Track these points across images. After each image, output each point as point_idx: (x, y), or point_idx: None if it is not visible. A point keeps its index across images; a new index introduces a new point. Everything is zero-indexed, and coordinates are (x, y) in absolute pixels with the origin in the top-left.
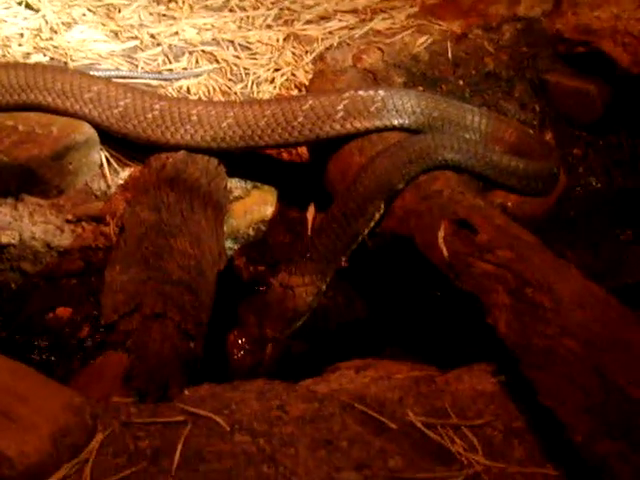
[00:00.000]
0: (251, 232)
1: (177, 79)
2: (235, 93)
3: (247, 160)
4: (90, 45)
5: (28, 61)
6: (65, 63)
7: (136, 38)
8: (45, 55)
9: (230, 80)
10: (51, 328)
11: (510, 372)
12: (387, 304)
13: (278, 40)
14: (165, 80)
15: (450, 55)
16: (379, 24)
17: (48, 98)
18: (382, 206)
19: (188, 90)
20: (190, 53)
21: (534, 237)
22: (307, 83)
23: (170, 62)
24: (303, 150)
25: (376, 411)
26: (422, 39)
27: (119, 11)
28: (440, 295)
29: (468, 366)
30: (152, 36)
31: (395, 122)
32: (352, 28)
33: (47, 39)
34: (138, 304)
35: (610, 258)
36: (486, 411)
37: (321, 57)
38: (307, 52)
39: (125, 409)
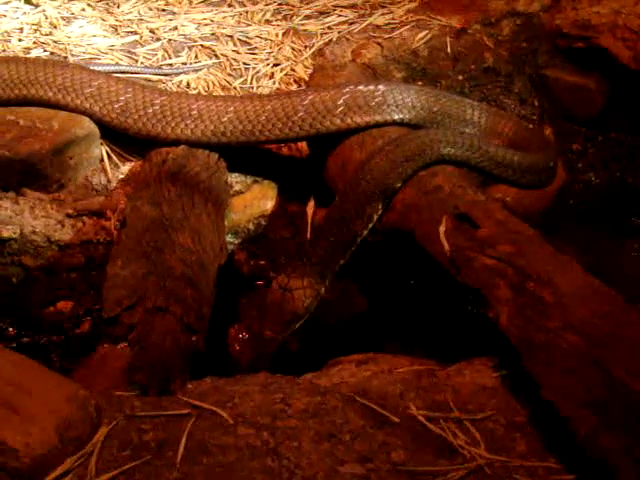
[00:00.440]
0: (251, 226)
1: (177, 74)
2: (235, 88)
3: (247, 155)
4: (90, 40)
5: (28, 56)
6: (65, 58)
7: (135, 33)
8: (45, 50)
9: (230, 75)
10: (52, 322)
11: (511, 366)
12: (387, 299)
13: (277, 35)
14: (165, 75)
15: (449, 50)
16: (378, 19)
17: (49, 93)
18: (380, 207)
19: (188, 85)
20: (189, 48)
21: (535, 231)
22: (306, 78)
23: (170, 57)
24: (303, 145)
25: (378, 405)
26: (421, 34)
27: (118, 6)
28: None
29: (469, 360)
30: (151, 31)
31: (395, 117)
32: (351, 23)
33: (47, 34)
34: (140, 298)
35: (608, 253)
36: (488, 405)
37: (320, 52)
38: (306, 47)
39: (129, 402)
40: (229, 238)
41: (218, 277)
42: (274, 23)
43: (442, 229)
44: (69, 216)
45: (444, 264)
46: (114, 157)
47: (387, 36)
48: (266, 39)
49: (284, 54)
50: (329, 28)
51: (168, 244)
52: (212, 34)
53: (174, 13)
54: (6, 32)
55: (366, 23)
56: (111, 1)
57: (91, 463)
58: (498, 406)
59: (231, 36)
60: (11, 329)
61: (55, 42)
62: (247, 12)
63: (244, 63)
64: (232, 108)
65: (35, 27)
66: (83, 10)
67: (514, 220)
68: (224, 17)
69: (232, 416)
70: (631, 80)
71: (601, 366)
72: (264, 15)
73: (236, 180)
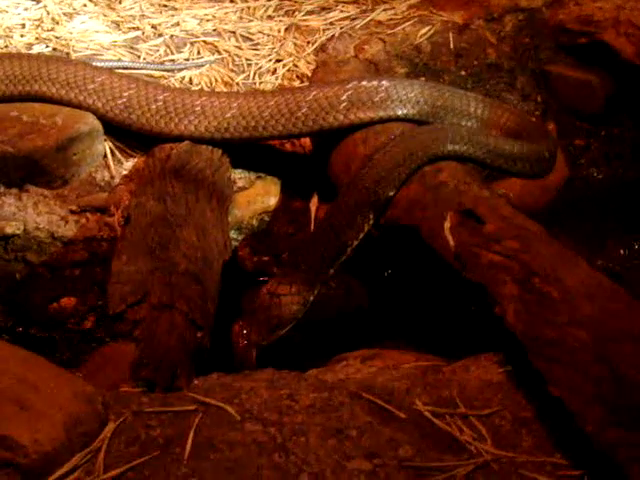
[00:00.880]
0: (255, 223)
1: (179, 70)
2: (237, 84)
3: (251, 151)
4: (92, 36)
5: (30, 52)
6: (67, 54)
7: (137, 29)
8: (47, 46)
9: (232, 71)
10: (55, 318)
11: (517, 362)
12: (392, 294)
13: (279, 31)
14: (167, 71)
15: (452, 46)
16: (380, 15)
17: (52, 89)
18: (371, 216)
19: (190, 81)
20: (192, 44)
21: (540, 227)
22: (309, 74)
23: (172, 53)
24: (306, 141)
25: (384, 401)
26: (424, 30)
27: (120, 2)
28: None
29: (475, 356)
30: (153, 27)
31: (399, 112)
32: (353, 19)
33: (49, 30)
34: (145, 294)
35: (610, 248)
36: (494, 401)
37: (323, 48)
38: (309, 43)
39: (136, 398)
40: (232, 234)
41: (222, 273)
42: (276, 19)
43: (447, 225)
44: (72, 212)
45: (449, 260)
46: (117, 153)
47: (389, 32)
48: (268, 35)
49: (286, 50)
50: (331, 24)
51: (173, 240)
52: (214, 30)
53: (176, 9)
54: (8, 28)
55: (368, 19)
56: None
57: (99, 459)
58: (504, 402)
59: (233, 32)
60: (14, 325)
61: (57, 38)
62: (249, 8)
63: (246, 59)
64: (235, 104)
65: (37, 23)
66: (85, 6)
67: (519, 216)
68: (226, 13)
69: (239, 412)
70: (634, 75)
71: (608, 362)
72: (266, 11)
73: (239, 176)
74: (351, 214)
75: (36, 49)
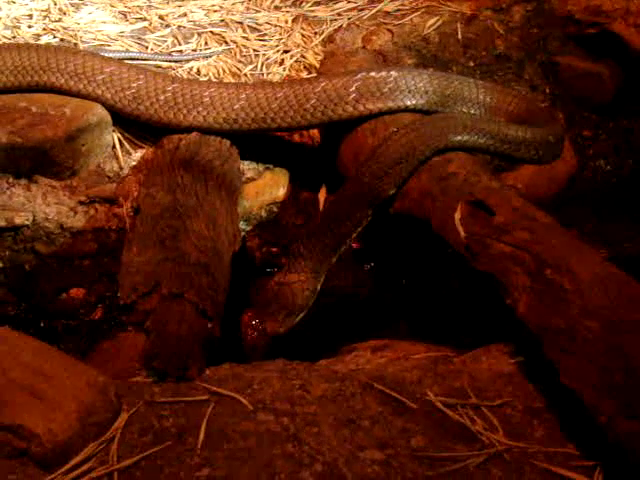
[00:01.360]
0: (263, 213)
1: (187, 60)
2: (245, 75)
3: (259, 142)
4: (99, 26)
5: (38, 42)
6: (75, 44)
7: (145, 19)
8: (55, 36)
9: (240, 62)
10: (64, 309)
11: (528, 352)
12: (402, 285)
13: (287, 21)
14: (175, 62)
15: (460, 37)
16: (388, 5)
17: (61, 79)
18: (370, 212)
19: (198, 72)
20: (199, 35)
21: (551, 218)
22: (316, 65)
23: (179, 44)
24: (315, 132)
25: (396, 391)
26: (432, 20)
27: None
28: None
29: (485, 347)
30: (161, 17)
31: (408, 103)
32: (361, 9)
33: (56, 20)
34: (156, 284)
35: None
36: (505, 391)
37: (330, 39)
38: (316, 33)
39: (148, 389)
40: (241, 225)
41: (231, 264)
42: (283, 9)
43: (457, 216)
44: (81, 203)
45: (460, 251)
46: (126, 144)
47: (397, 22)
48: (276, 25)
49: (294, 41)
50: (339, 14)
51: (183, 230)
52: (221, 20)
53: (183, 0)
54: (15, 19)
55: (376, 9)
56: None
57: (112, 449)
58: (515, 392)
59: (241, 22)
60: (24, 316)
61: (64, 29)
62: None
63: (254, 50)
64: (244, 95)
65: (44, 14)
66: None
67: (530, 207)
68: (233, 3)
69: (251, 402)
70: None
71: (620, 352)
72: (273, 1)
73: (248, 167)
74: (350, 208)
75: (44, 40)
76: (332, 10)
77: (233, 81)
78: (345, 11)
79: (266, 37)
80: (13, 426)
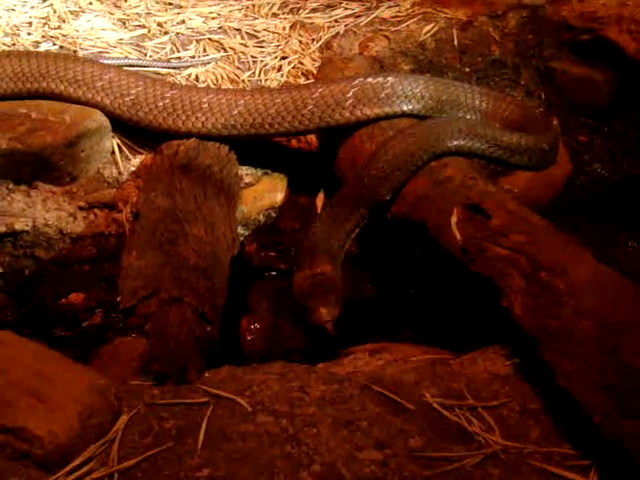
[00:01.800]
0: (261, 218)
1: (185, 67)
2: (243, 81)
3: (257, 147)
4: (98, 33)
5: (38, 50)
6: (74, 52)
7: (143, 27)
8: (54, 44)
9: (238, 68)
10: (64, 314)
11: (524, 354)
12: (399, 288)
13: (284, 28)
14: (174, 68)
15: (456, 43)
16: (385, 12)
17: (60, 86)
18: (367, 215)
19: (197, 78)
20: (197, 41)
21: (546, 222)
22: (314, 71)
23: (178, 50)
24: (313, 137)
25: (393, 393)
26: (428, 27)
27: (125, 0)
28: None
29: (482, 349)
30: (159, 24)
31: (405, 108)
32: (358, 16)
33: (55, 27)
34: (156, 289)
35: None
36: (501, 393)
37: (328, 45)
38: (313, 40)
39: (148, 391)
40: (240, 230)
41: (230, 268)
42: (281, 16)
43: (454, 219)
44: (81, 208)
45: (456, 254)
46: (125, 150)
47: (394, 29)
48: (273, 32)
49: (292, 47)
50: (336, 21)
51: (182, 235)
52: (219, 27)
53: (181, 7)
54: (15, 26)
55: (373, 16)
56: None
57: (113, 450)
58: (512, 393)
59: (239, 29)
60: (24, 321)
61: (64, 36)
62: (254, 5)
63: (252, 56)
64: (242, 101)
65: (44, 21)
66: (90, 4)
67: (525, 210)
68: (231, 11)
69: (251, 404)
70: (637, 72)
71: (614, 352)
72: (271, 8)
73: (246, 172)
74: (347, 211)
75: (43, 47)
76: (329, 17)
77: (231, 87)
78: (342, 18)
79: (264, 44)
80: (15, 428)
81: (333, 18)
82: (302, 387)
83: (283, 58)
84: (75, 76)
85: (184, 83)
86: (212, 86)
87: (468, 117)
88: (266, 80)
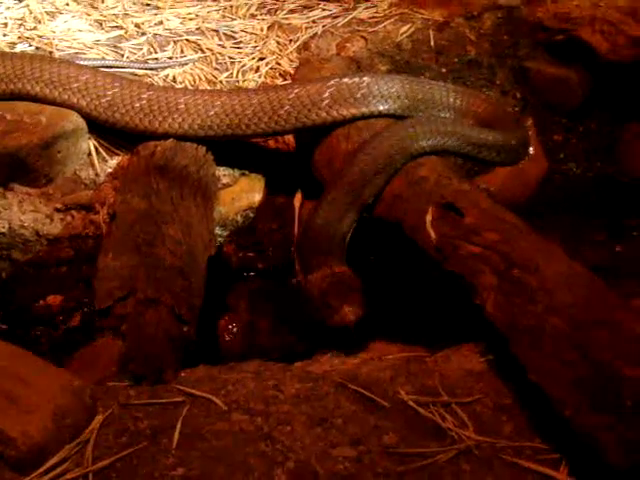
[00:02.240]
0: (239, 219)
1: (163, 68)
2: (220, 82)
3: (234, 148)
4: (75, 34)
5: (13, 50)
6: (50, 52)
7: (120, 28)
8: (30, 45)
9: (215, 69)
10: (42, 316)
11: (498, 351)
12: (376, 288)
13: (262, 29)
14: (151, 69)
15: (432, 43)
16: (362, 13)
17: (36, 87)
18: (356, 218)
19: (174, 79)
20: (175, 42)
21: (520, 219)
22: (292, 72)
23: (155, 51)
24: (290, 137)
25: (368, 390)
26: (405, 28)
27: (102, 1)
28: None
29: (457, 346)
30: (136, 25)
31: (381, 108)
32: (335, 17)
33: (31, 28)
34: (132, 289)
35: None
36: (475, 389)
37: (305, 46)
38: (291, 41)
39: (124, 391)
40: (217, 230)
41: (207, 268)
42: (259, 17)
43: (428, 218)
44: (58, 210)
45: (431, 253)
46: (102, 151)
47: (371, 30)
48: (251, 33)
49: (269, 48)
50: (314, 22)
51: (158, 236)
52: (197, 28)
53: (158, 8)
54: None
55: (350, 17)
56: None
57: (88, 450)
58: (485, 390)
59: (216, 30)
60: (1, 323)
61: (40, 37)
62: (232, 6)
63: (230, 57)
64: (219, 102)
65: (20, 22)
66: (67, 5)
67: (499, 208)
68: (209, 12)
69: (226, 403)
70: (610, 72)
71: (584, 348)
72: (249, 9)
73: (224, 173)
74: (340, 215)
75: (19, 48)
76: (307, 18)
77: (209, 88)
78: (320, 19)
79: (242, 45)
80: None
81: (311, 19)
82: (277, 385)
83: (261, 59)
84: (51, 77)
85: (161, 84)
86: (189, 87)
87: (443, 115)
88: (244, 81)
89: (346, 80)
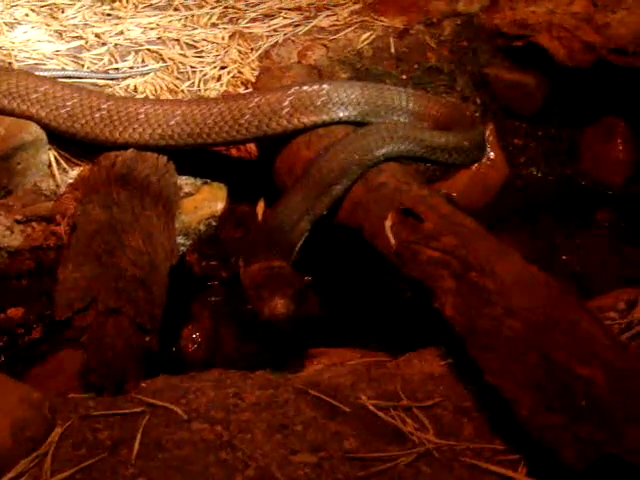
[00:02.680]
0: (202, 228)
1: (124, 78)
2: (182, 91)
3: (196, 157)
4: (34, 45)
5: None
6: (9, 63)
7: (81, 38)
8: None
9: (177, 78)
10: (3, 329)
11: (457, 354)
12: (338, 295)
13: (224, 38)
14: (112, 79)
15: (393, 50)
16: (323, 21)
17: None
18: (308, 228)
19: (135, 89)
20: (136, 52)
21: (478, 224)
22: (253, 80)
23: (116, 61)
24: (252, 146)
25: (330, 396)
26: (365, 35)
27: (62, 11)
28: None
29: (418, 351)
30: (97, 36)
31: (341, 114)
32: (296, 25)
33: None
34: (92, 300)
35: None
36: (436, 392)
37: (266, 54)
38: (252, 49)
39: (83, 403)
40: (180, 239)
41: (170, 278)
42: (220, 26)
43: (388, 224)
44: (18, 222)
45: (391, 258)
46: (62, 162)
47: (332, 37)
48: (213, 42)
49: (231, 57)
50: (275, 30)
51: (119, 246)
52: (158, 38)
53: (119, 18)
54: None
55: (311, 25)
56: (55, 6)
57: (46, 463)
58: (446, 393)
59: (177, 40)
60: None
61: None
62: (193, 16)
63: (191, 66)
64: (179, 111)
65: None
66: (27, 15)
67: (458, 213)
68: (170, 21)
69: (186, 412)
70: (567, 77)
71: (540, 349)
72: (210, 18)
73: (186, 182)
74: (291, 220)
75: None
76: (268, 26)
77: (170, 98)
78: (281, 27)
79: (203, 54)
80: None
81: (272, 27)
82: (238, 393)
83: (222, 68)
84: (9, 88)
85: (122, 94)
86: (151, 97)
87: (402, 119)
88: (205, 90)
89: (306, 88)
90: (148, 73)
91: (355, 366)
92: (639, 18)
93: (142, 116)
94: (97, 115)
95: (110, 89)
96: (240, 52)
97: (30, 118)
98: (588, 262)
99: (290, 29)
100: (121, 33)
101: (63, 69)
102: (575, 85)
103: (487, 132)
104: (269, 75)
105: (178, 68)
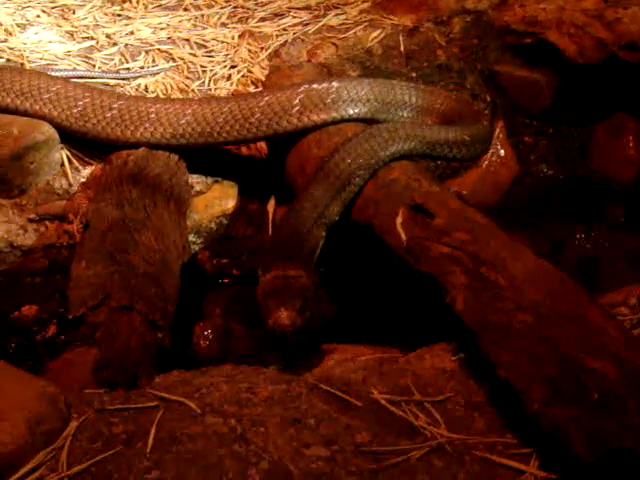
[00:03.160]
0: (213, 226)
1: (135, 78)
2: (192, 90)
3: (207, 155)
4: (46, 46)
5: None
6: (22, 64)
7: (92, 38)
8: (1, 57)
9: (187, 78)
10: (17, 327)
11: (469, 349)
12: (352, 291)
13: (233, 37)
14: (123, 79)
15: (402, 48)
16: (332, 20)
17: (7, 99)
18: (324, 234)
19: (146, 88)
20: (146, 52)
21: (488, 219)
22: (263, 79)
23: (127, 61)
24: (262, 144)
25: (342, 390)
26: (375, 33)
27: (73, 12)
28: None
29: (430, 346)
30: (108, 36)
31: (351, 112)
32: (306, 24)
33: (2, 41)
34: (105, 297)
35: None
36: (447, 387)
37: (276, 53)
38: (262, 49)
39: (98, 397)
40: (192, 238)
41: (182, 276)
42: (230, 26)
43: (399, 220)
44: (31, 221)
45: (402, 254)
46: (75, 161)
47: (341, 36)
48: (222, 42)
49: (241, 56)
50: (284, 29)
51: (131, 244)
52: (168, 38)
53: (130, 18)
54: None
55: (320, 24)
56: (66, 7)
57: (62, 456)
58: (457, 388)
59: (187, 39)
60: None
61: (11, 49)
62: (203, 15)
63: (201, 66)
64: (190, 110)
65: None
66: (38, 17)
67: (468, 209)
68: (180, 21)
69: (200, 406)
70: (577, 73)
71: (551, 343)
72: (220, 18)
73: (197, 181)
74: (305, 226)
75: None
76: (278, 25)
77: (181, 97)
78: (290, 26)
79: (213, 53)
80: None
81: (282, 27)
82: (251, 388)
83: (232, 67)
84: (22, 88)
85: (133, 94)
86: (162, 96)
87: (410, 115)
88: (216, 89)
89: (315, 86)
90: (159, 73)
91: (367, 361)
92: None
93: (153, 115)
94: (108, 114)
95: (121, 89)
96: (250, 51)
97: (43, 118)
98: (599, 258)
99: (300, 28)
100: (132, 33)
101: (75, 69)
102: (585, 82)
103: (497, 129)
104: (279, 74)
105: (188, 67)
